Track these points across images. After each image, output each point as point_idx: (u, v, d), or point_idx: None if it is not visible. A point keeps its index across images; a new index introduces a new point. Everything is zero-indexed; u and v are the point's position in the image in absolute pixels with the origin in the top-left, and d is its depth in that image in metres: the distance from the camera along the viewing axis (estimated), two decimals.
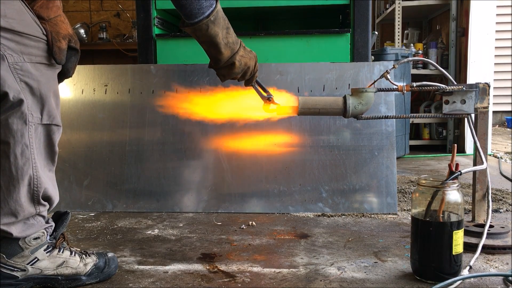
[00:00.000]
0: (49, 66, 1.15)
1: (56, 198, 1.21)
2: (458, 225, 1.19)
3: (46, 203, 1.18)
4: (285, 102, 1.49)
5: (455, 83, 1.48)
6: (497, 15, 3.66)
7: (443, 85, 1.45)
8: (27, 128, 1.11)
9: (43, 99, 1.13)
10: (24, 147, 1.11)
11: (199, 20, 1.22)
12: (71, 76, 1.25)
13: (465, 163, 3.09)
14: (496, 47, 3.63)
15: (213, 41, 1.26)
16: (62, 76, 1.22)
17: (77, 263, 1.21)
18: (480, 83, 1.49)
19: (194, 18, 1.22)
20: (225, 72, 1.34)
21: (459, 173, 1.26)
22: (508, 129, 5.52)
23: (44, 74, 1.14)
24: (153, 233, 1.67)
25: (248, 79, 1.40)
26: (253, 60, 1.37)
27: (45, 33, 1.13)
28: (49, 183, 1.18)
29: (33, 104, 1.11)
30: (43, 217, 1.18)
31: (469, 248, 1.39)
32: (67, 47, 1.17)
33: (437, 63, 3.02)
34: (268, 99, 1.48)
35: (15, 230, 1.12)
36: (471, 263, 1.28)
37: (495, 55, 3.66)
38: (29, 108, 1.10)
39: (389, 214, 1.88)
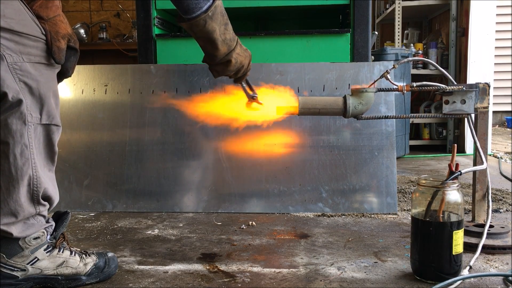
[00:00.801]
0: (48, 66, 1.15)
1: (56, 198, 1.21)
2: (458, 225, 1.19)
3: (46, 203, 1.18)
4: (285, 102, 1.49)
5: (455, 83, 1.48)
6: (497, 15, 3.66)
7: (443, 85, 1.45)
8: (26, 128, 1.10)
9: (42, 99, 1.13)
10: (23, 147, 1.10)
11: (197, 15, 1.19)
12: (71, 76, 1.25)
13: (465, 163, 3.09)
14: (496, 47, 3.63)
15: (210, 37, 1.24)
16: (62, 75, 1.22)
17: (77, 263, 1.21)
18: (480, 83, 1.49)
19: (191, 13, 1.19)
20: (219, 68, 1.33)
21: (459, 173, 1.25)
22: (508, 129, 5.52)
23: (43, 74, 1.13)
24: (153, 233, 1.67)
25: (239, 77, 1.39)
26: (248, 59, 1.36)
27: (44, 32, 1.13)
28: (49, 183, 1.18)
29: (32, 104, 1.11)
30: (43, 216, 1.18)
31: (469, 248, 1.39)
32: (66, 46, 1.17)
33: (437, 63, 3.02)
34: (253, 97, 1.47)
35: (15, 230, 1.12)
36: (471, 263, 1.29)
37: (495, 55, 3.66)
38: (28, 108, 1.10)
39: (389, 214, 1.88)
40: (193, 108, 1.95)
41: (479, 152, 1.48)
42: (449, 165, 1.30)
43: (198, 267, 1.34)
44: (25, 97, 1.09)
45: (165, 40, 2.30)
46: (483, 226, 1.48)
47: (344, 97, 1.44)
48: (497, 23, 3.62)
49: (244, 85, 1.47)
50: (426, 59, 1.57)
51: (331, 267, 1.33)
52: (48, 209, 1.20)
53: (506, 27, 5.48)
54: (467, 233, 1.44)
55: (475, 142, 1.49)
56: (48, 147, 1.18)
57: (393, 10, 3.95)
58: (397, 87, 1.45)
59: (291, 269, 1.32)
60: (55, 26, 1.14)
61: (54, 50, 1.13)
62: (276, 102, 1.50)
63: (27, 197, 1.13)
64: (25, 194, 1.12)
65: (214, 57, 1.29)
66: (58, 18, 1.16)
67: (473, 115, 1.50)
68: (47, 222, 1.20)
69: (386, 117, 1.56)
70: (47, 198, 1.18)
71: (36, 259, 1.16)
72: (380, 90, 1.46)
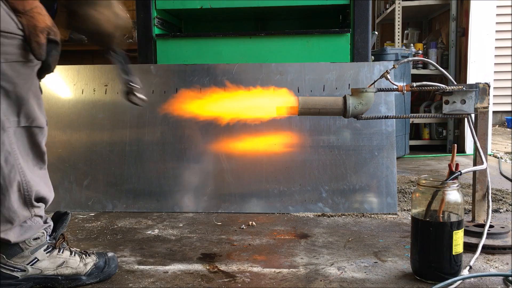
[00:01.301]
0: (26, 63, 1.07)
1: (50, 196, 1.19)
2: (458, 225, 1.19)
3: (40, 203, 1.16)
4: (285, 102, 1.49)
5: (455, 83, 1.48)
6: (497, 15, 3.65)
7: (443, 85, 1.45)
8: (6, 135, 1.06)
9: (19, 101, 1.07)
10: (6, 154, 1.06)
11: None
12: (53, 71, 1.14)
13: (465, 163, 3.09)
14: (496, 47, 3.63)
15: None
16: (43, 71, 1.13)
17: (77, 263, 1.21)
18: (480, 83, 1.49)
19: None
20: (73, 21, 1.16)
21: (459, 173, 1.25)
22: (508, 129, 5.52)
23: (21, 74, 1.06)
24: (153, 233, 1.67)
25: (106, 47, 1.22)
26: (115, 25, 1.18)
27: (21, 27, 1.04)
28: (40, 183, 1.15)
29: (8, 107, 1.06)
30: (40, 217, 1.18)
31: (469, 248, 1.39)
32: (47, 40, 1.07)
33: (437, 63, 3.02)
34: (129, 84, 1.30)
35: (13, 236, 1.11)
36: (471, 263, 1.28)
37: (495, 55, 3.66)
38: (5, 113, 1.05)
39: (389, 214, 1.88)
40: (193, 108, 1.95)
41: (479, 152, 1.48)
42: (449, 165, 1.30)
43: (198, 267, 1.34)
44: (0, 102, 1.04)
45: (165, 40, 2.30)
46: (483, 226, 1.48)
47: (344, 97, 1.44)
48: (497, 23, 3.62)
49: (118, 63, 1.25)
50: (426, 59, 1.57)
51: (331, 267, 1.33)
52: (45, 208, 1.19)
53: (506, 27, 5.48)
54: (467, 233, 1.44)
55: (475, 142, 1.49)
56: (34, 149, 1.14)
57: (393, 10, 3.95)
58: (397, 87, 1.45)
59: (291, 269, 1.32)
60: (33, 19, 1.05)
61: (34, 46, 1.05)
62: (276, 102, 1.50)
63: (20, 202, 1.10)
64: (16, 200, 1.10)
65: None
66: (35, 10, 1.05)
67: (473, 115, 1.50)
68: (45, 222, 1.19)
69: (386, 117, 1.56)
70: (41, 199, 1.16)
71: (36, 259, 1.16)
72: (380, 90, 1.46)
